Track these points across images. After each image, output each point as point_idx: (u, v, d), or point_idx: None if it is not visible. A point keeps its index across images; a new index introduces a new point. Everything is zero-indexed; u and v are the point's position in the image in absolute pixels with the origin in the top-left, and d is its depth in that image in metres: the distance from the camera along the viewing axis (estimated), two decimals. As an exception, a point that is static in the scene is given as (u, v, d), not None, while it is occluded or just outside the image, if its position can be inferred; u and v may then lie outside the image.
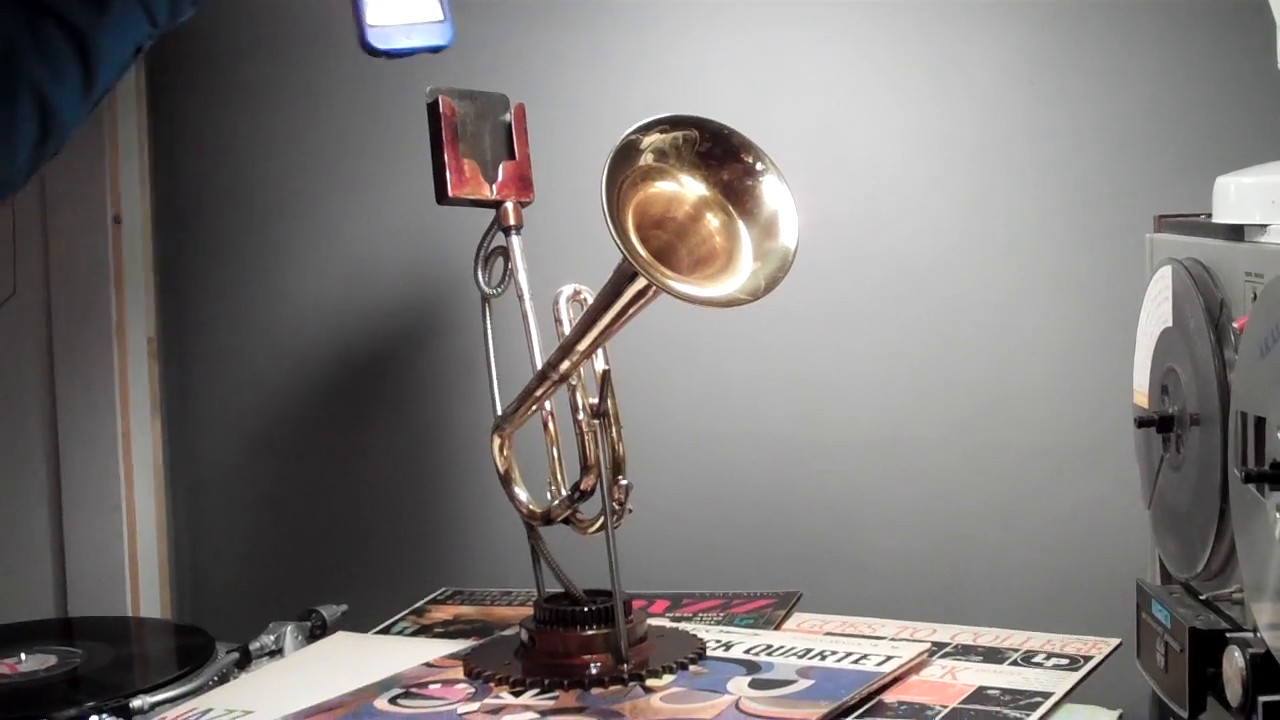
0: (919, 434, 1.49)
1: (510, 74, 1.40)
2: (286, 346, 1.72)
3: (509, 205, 1.35)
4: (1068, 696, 1.16)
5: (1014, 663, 1.23)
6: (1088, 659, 1.22)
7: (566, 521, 1.29)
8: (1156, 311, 1.10)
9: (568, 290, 1.29)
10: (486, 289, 1.35)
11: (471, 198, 1.35)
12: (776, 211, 1.18)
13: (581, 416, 1.25)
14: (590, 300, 1.24)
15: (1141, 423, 1.11)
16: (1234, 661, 0.93)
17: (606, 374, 1.25)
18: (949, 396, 1.49)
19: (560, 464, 1.30)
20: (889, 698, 1.17)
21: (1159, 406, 1.10)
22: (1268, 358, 0.90)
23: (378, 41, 1.23)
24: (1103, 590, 1.40)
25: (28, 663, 1.40)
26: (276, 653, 1.39)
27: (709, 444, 1.56)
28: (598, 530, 1.27)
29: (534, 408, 1.29)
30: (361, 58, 1.66)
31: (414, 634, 1.43)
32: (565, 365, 1.24)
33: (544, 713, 1.16)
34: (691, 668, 1.23)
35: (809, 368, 1.52)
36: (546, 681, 1.20)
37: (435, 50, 1.26)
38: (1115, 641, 1.25)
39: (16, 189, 1.22)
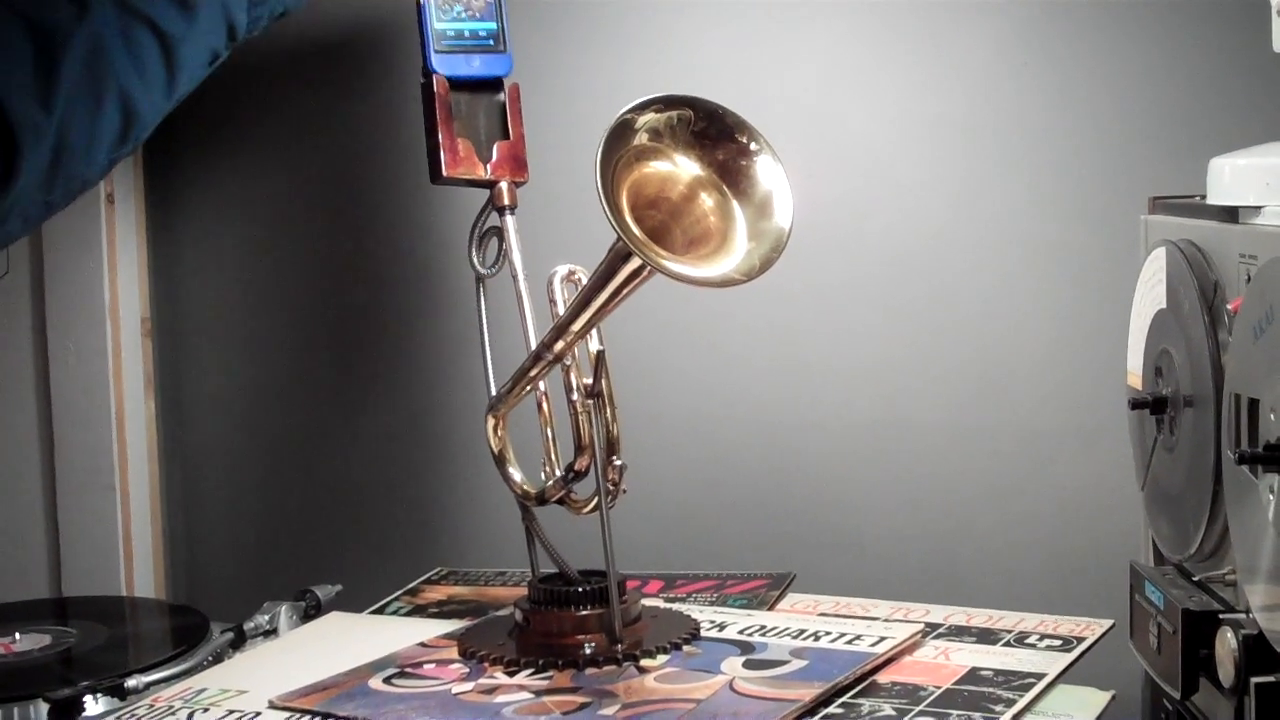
0: (913, 415, 1.49)
1: (505, 53, 1.40)
2: (281, 326, 1.72)
3: (503, 185, 1.35)
4: (1061, 677, 1.16)
5: (1007, 644, 1.23)
6: (1081, 640, 1.23)
7: (561, 502, 1.29)
8: (1150, 293, 1.10)
9: (562, 270, 1.28)
10: (481, 269, 1.35)
11: (466, 178, 1.35)
12: (771, 192, 1.18)
13: (576, 397, 1.25)
14: (585, 280, 1.23)
15: (1135, 404, 1.11)
16: (1226, 643, 0.93)
17: (601, 354, 1.25)
18: (943, 378, 1.48)
19: (555, 444, 1.31)
20: (882, 678, 1.17)
21: (1153, 388, 1.10)
22: (1261, 340, 0.90)
23: (442, 67, 1.34)
24: (1096, 572, 1.40)
25: (22, 642, 1.40)
26: (271, 633, 1.39)
27: (703, 425, 1.56)
28: (592, 511, 1.27)
29: (528, 388, 1.29)
30: (352, 37, 1.66)
31: (408, 614, 1.43)
32: (560, 346, 1.24)
33: (538, 693, 1.16)
34: (685, 648, 1.23)
35: (803, 348, 1.52)
36: (541, 662, 1.20)
37: (494, 79, 1.37)
38: (1108, 623, 1.25)
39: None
